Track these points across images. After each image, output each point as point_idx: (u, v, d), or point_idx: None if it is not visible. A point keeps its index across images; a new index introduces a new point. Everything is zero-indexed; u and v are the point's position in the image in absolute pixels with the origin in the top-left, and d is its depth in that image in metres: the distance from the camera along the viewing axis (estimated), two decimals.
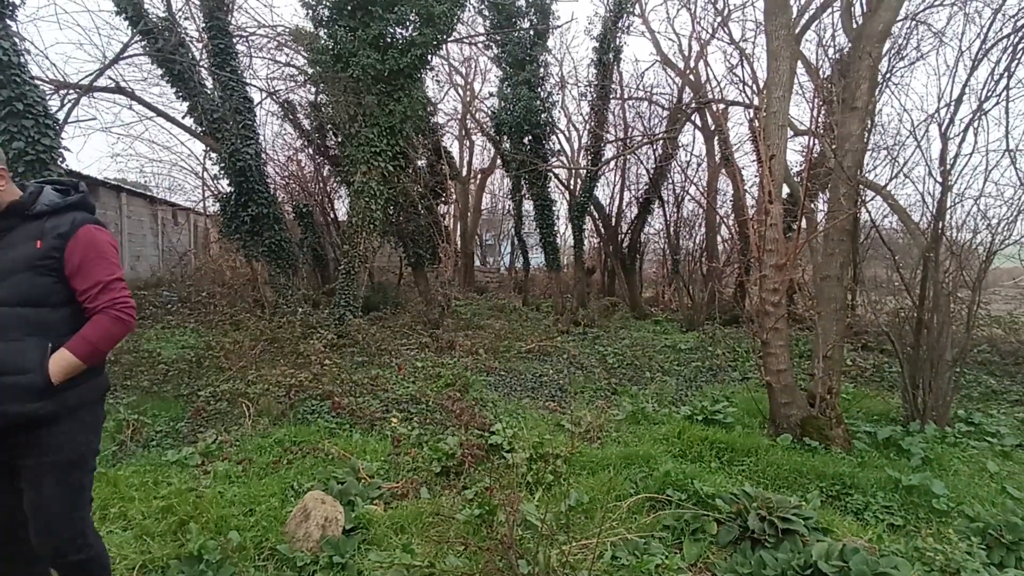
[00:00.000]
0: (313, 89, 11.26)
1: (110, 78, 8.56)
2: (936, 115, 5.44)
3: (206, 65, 9.23)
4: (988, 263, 5.42)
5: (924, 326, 5.22)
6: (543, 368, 7.99)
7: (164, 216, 16.85)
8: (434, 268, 11.70)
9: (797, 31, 8.10)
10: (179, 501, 3.30)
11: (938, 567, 2.82)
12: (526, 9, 12.51)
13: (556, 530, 2.97)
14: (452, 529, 3.20)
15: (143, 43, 8.63)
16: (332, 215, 14.26)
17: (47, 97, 6.94)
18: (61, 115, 7.31)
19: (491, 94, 14.81)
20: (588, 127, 14.36)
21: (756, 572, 2.77)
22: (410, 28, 9.02)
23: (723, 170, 13.13)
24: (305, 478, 3.83)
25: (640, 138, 14.23)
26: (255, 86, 10.15)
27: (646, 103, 14.55)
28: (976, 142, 5.33)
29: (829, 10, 9.05)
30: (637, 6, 12.93)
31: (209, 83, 9.43)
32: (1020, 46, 5.41)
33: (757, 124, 5.48)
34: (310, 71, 10.06)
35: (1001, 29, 5.55)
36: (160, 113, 9.62)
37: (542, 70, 12.82)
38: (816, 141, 6.83)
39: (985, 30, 5.43)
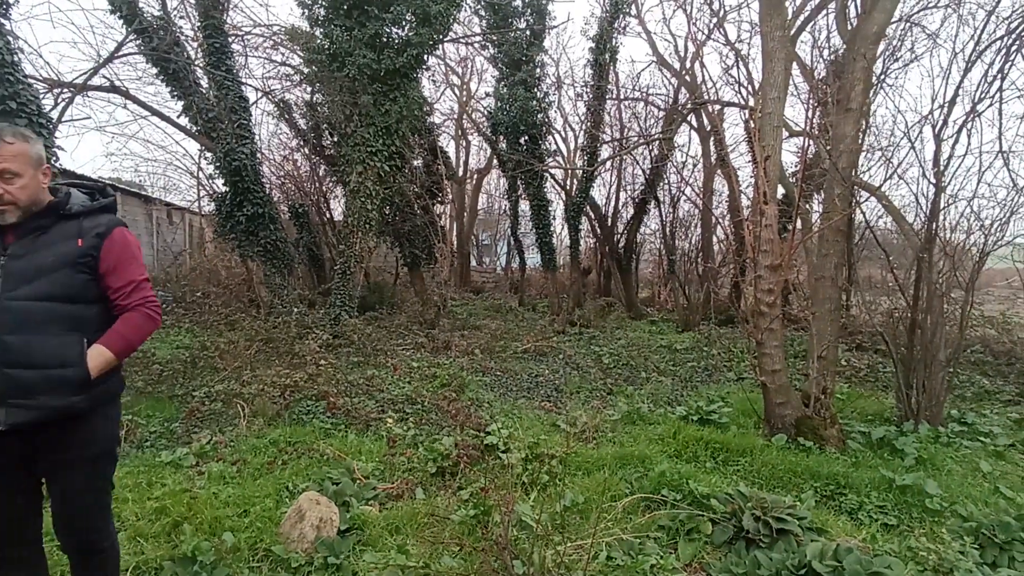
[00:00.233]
0: (309, 89, 11.23)
1: (104, 77, 8.51)
2: (930, 116, 5.47)
3: (201, 64, 9.19)
4: (981, 264, 5.45)
5: (918, 326, 5.25)
6: (539, 368, 7.99)
7: (159, 216, 16.78)
8: (430, 268, 11.69)
9: (792, 32, 8.13)
10: (173, 502, 3.29)
11: (931, 567, 2.83)
12: (522, 9, 12.49)
13: (551, 530, 2.98)
14: (447, 530, 3.19)
15: (138, 42, 8.58)
16: (328, 215, 14.22)
17: (41, 96, 6.89)
18: (55, 114, 7.26)
19: (487, 94, 14.85)
20: (584, 127, 14.36)
21: (751, 572, 2.78)
22: (406, 28, 9.01)
23: (719, 171, 13.16)
24: (300, 479, 3.82)
25: (636, 139, 14.24)
26: (251, 85, 10.11)
27: (642, 104, 14.58)
28: (969, 143, 5.36)
29: (824, 12, 9.09)
30: (633, 7, 12.94)
31: (204, 82, 9.39)
32: (1013, 48, 5.45)
33: (752, 125, 5.49)
34: (306, 70, 10.04)
35: (995, 31, 5.58)
36: (155, 112, 9.57)
37: (538, 70, 12.81)
38: (811, 142, 6.85)
39: (979, 32, 5.45)
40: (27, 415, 1.79)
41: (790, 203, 8.56)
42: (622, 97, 14.33)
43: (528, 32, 12.56)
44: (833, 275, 5.13)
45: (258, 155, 9.96)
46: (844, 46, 7.41)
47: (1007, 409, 6.00)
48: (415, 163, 11.84)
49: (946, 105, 5.33)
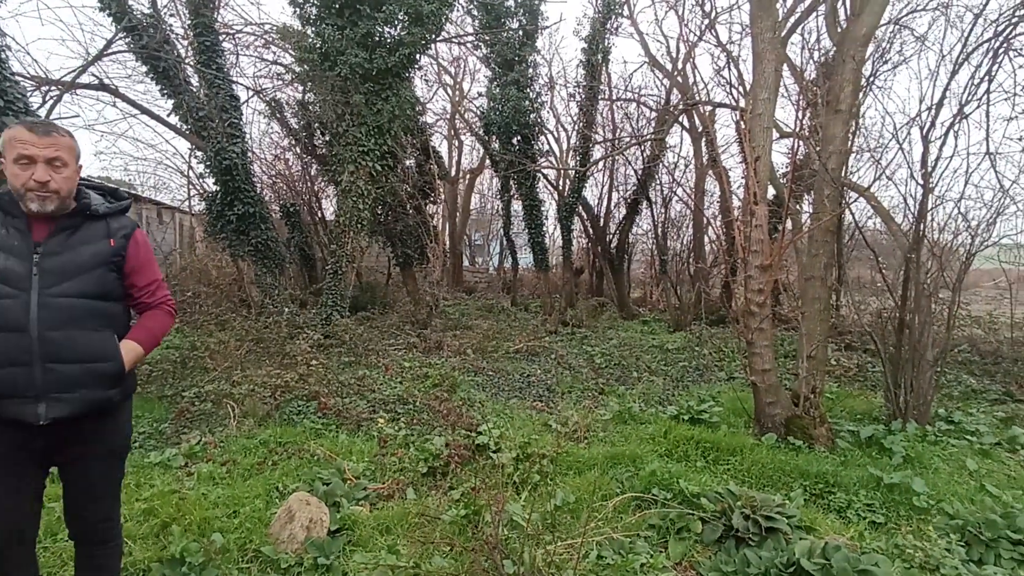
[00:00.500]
0: (300, 88, 11.17)
1: (93, 75, 8.42)
2: (918, 118, 5.52)
3: (192, 63, 9.11)
4: (968, 264, 5.51)
5: (906, 326, 5.30)
6: (531, 368, 8.00)
7: (149, 215, 16.66)
8: (422, 268, 11.66)
9: (783, 34, 8.18)
10: (161, 503, 3.27)
11: (918, 564, 2.86)
12: (515, 9, 12.50)
13: (542, 530, 2.98)
14: (438, 530, 3.19)
15: (127, 40, 8.50)
16: (320, 214, 14.17)
17: (28, 94, 6.83)
18: (43, 112, 7.20)
19: (480, 94, 14.80)
20: (577, 128, 14.39)
21: (740, 570, 2.79)
22: (398, 27, 8.99)
23: (710, 171, 13.22)
24: (290, 479, 3.80)
25: (628, 139, 14.29)
26: (242, 84, 10.05)
27: (634, 104, 14.60)
28: (957, 145, 5.42)
29: (814, 14, 9.15)
30: (625, 8, 12.98)
31: (195, 81, 9.32)
32: (1000, 50, 5.51)
33: (743, 126, 5.52)
34: (297, 69, 9.98)
35: (982, 34, 5.64)
36: (144, 111, 9.49)
37: (531, 70, 12.83)
38: (801, 143, 6.90)
39: (966, 34, 5.51)
40: (67, 408, 1.85)
41: (780, 204, 8.61)
42: (614, 98, 14.38)
43: (521, 32, 12.56)
44: (823, 275, 5.17)
45: (249, 154, 9.90)
46: (834, 48, 7.47)
47: (993, 408, 6.06)
48: (407, 163, 11.82)
49: (934, 107, 5.38)
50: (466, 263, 25.38)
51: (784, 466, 4.13)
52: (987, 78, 5.45)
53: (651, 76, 16.59)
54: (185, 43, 9.33)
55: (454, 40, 13.32)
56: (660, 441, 4.67)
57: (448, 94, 18.81)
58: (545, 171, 14.83)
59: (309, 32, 9.11)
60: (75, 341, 1.86)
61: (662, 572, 2.84)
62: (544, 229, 14.08)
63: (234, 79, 9.61)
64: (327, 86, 8.89)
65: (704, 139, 13.20)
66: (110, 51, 8.30)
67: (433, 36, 9.40)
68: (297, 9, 9.08)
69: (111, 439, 2.04)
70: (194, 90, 9.21)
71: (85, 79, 8.25)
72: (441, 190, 14.01)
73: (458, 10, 12.04)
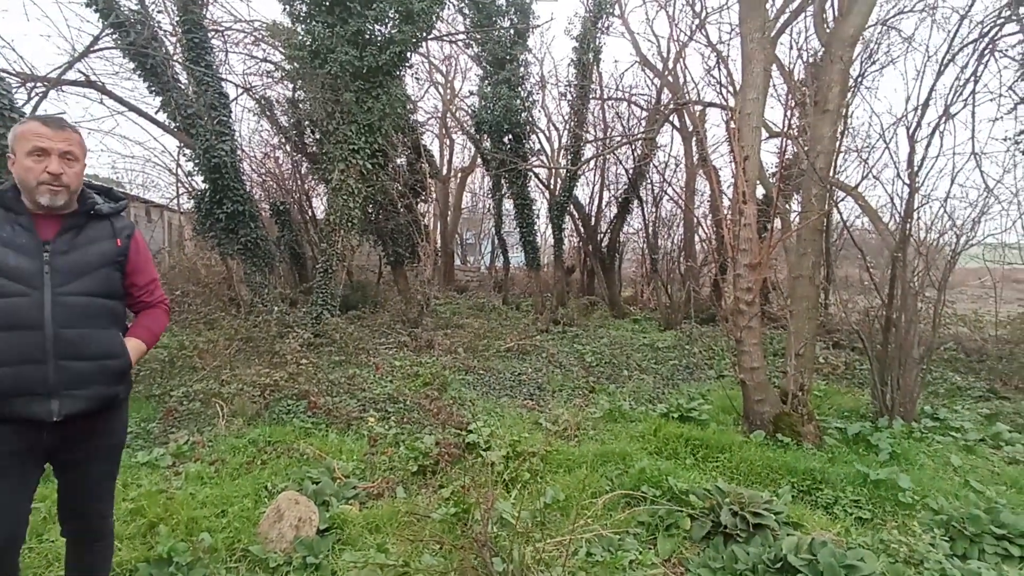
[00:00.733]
0: (290, 85, 11.09)
1: (80, 71, 8.32)
2: (904, 119, 5.58)
3: (180, 60, 9.03)
4: (954, 263, 5.57)
5: (893, 324, 5.35)
6: (522, 367, 8.00)
7: (137, 213, 16.50)
8: (414, 267, 11.63)
9: (771, 35, 8.22)
10: (149, 503, 3.25)
11: (903, 558, 2.90)
12: (506, 8, 12.48)
13: (531, 528, 2.99)
14: (427, 528, 3.19)
15: (114, 36, 8.40)
16: (310, 213, 14.08)
17: (13, 90, 6.76)
18: (28, 109, 7.11)
19: (471, 92, 14.79)
20: (568, 127, 14.39)
21: (728, 566, 2.81)
22: (389, 25, 8.95)
23: (700, 171, 13.28)
24: (279, 478, 3.79)
25: (619, 138, 14.32)
26: (231, 82, 9.98)
27: (625, 104, 14.65)
28: (943, 145, 5.50)
29: (803, 15, 9.21)
30: (616, 7, 13.00)
31: (183, 78, 9.24)
32: (986, 51, 5.58)
33: (732, 125, 5.55)
34: (287, 67, 9.91)
35: (968, 35, 5.71)
36: (132, 108, 9.39)
37: (522, 69, 12.81)
38: (789, 143, 6.94)
39: (952, 35, 5.58)
40: (81, 404, 1.88)
41: (769, 203, 8.66)
42: (605, 97, 14.40)
43: (512, 31, 12.55)
44: (811, 274, 5.21)
45: (238, 152, 9.83)
46: (822, 49, 7.52)
47: (977, 405, 6.14)
48: (398, 161, 11.77)
49: (920, 107, 5.44)
50: (457, 262, 25.31)
51: (772, 463, 4.16)
52: (973, 79, 5.52)
53: (642, 76, 16.73)
54: (173, 40, 9.24)
55: (445, 38, 13.29)
56: (650, 439, 4.69)
57: (439, 92, 18.81)
58: (536, 170, 14.84)
59: (299, 29, 9.05)
60: (88, 339, 1.89)
61: (651, 569, 2.86)
62: (535, 228, 14.08)
63: (223, 76, 9.56)
64: (317, 84, 8.84)
65: (694, 138, 13.26)
66: (97, 47, 8.22)
67: (424, 34, 9.37)
68: (287, 6, 9.02)
69: (117, 434, 2.10)
70: (182, 87, 9.13)
71: (71, 76, 8.17)
72: (432, 189, 13.98)
73: (449, 8, 11.99)
